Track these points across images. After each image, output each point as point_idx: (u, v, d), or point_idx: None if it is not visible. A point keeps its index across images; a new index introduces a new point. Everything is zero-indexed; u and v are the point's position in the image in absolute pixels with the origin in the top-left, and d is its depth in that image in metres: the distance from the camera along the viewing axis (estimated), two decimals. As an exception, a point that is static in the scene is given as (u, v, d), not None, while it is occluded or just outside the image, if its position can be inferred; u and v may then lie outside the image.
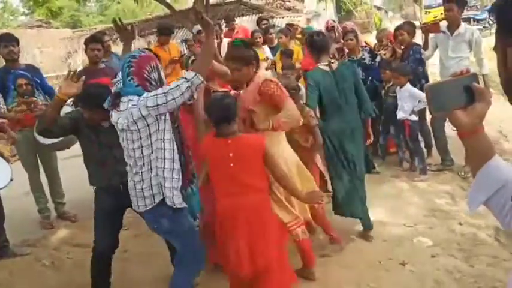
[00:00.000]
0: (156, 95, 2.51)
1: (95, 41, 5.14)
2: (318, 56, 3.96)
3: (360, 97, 3.98)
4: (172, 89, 2.53)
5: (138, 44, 16.35)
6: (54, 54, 17.21)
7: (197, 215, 3.00)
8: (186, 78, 2.56)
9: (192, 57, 3.91)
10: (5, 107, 4.70)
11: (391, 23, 21.04)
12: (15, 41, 4.82)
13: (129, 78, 2.60)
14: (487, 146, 1.20)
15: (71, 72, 3.15)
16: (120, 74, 2.78)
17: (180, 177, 2.69)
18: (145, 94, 2.55)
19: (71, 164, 5.62)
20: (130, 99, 2.56)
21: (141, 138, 2.56)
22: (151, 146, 2.58)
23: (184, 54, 6.38)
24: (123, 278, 3.26)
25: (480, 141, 1.20)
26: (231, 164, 2.72)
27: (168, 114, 2.61)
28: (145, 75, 2.61)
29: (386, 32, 6.59)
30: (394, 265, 3.59)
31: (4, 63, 4.95)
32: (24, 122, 4.68)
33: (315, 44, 3.97)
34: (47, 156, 5.02)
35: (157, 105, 2.49)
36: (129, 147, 2.62)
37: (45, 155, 4.98)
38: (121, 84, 2.72)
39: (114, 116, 2.63)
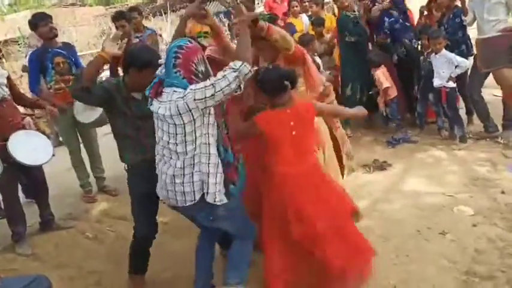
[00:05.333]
0: (205, 87, 2.44)
1: (118, 19, 5.09)
2: None
3: None
4: (219, 79, 2.45)
5: (170, 18, 16.38)
6: (88, 31, 17.40)
7: None
8: (233, 68, 2.47)
9: None
10: (45, 85, 4.83)
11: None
12: (50, 17, 4.86)
13: (175, 70, 2.51)
14: None
15: (112, 34, 3.11)
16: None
17: (222, 172, 2.63)
18: (193, 86, 2.46)
19: (111, 139, 5.73)
20: (175, 91, 2.49)
21: (185, 133, 2.50)
22: (195, 142, 2.52)
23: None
24: (161, 251, 3.34)
25: None
26: (293, 133, 2.79)
27: (213, 109, 2.54)
28: (192, 68, 2.52)
29: None
30: (433, 235, 3.53)
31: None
32: (64, 99, 4.78)
33: None
34: (87, 133, 5.13)
35: (205, 98, 2.42)
36: (169, 141, 2.56)
37: (85, 131, 5.09)
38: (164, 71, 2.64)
39: (155, 105, 2.56)
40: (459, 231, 3.52)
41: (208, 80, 2.52)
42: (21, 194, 4.38)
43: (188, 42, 2.59)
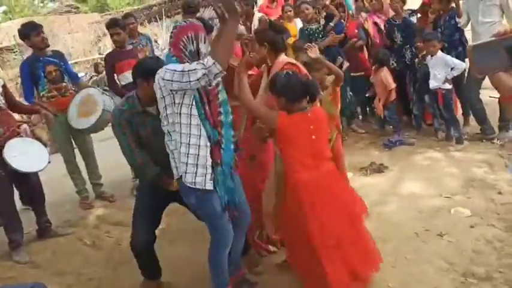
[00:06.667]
0: (175, 70, 2.46)
1: (112, 26, 5.13)
2: None
3: None
4: (190, 70, 2.43)
5: (165, 24, 16.41)
6: (84, 38, 17.43)
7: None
8: (203, 65, 2.41)
9: None
10: (36, 95, 4.81)
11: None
12: (41, 27, 4.87)
13: (170, 49, 2.61)
14: None
15: None
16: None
17: (204, 154, 2.59)
18: (169, 65, 2.52)
19: (107, 145, 5.73)
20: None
21: (160, 109, 2.60)
22: (168, 118, 2.57)
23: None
24: (160, 256, 3.31)
25: None
26: (313, 137, 2.78)
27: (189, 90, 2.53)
28: (180, 47, 2.57)
29: None
30: (431, 236, 3.53)
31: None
32: (57, 107, 4.76)
33: None
34: (82, 139, 5.12)
35: (172, 81, 2.45)
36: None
37: (79, 138, 5.08)
38: None
39: None
40: (457, 233, 3.52)
41: (197, 59, 2.54)
42: (17, 201, 4.36)
43: (183, 22, 2.65)
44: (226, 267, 2.90)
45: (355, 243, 2.82)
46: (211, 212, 2.72)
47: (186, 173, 2.59)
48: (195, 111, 2.57)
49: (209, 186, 2.62)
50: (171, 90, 2.49)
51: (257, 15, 6.71)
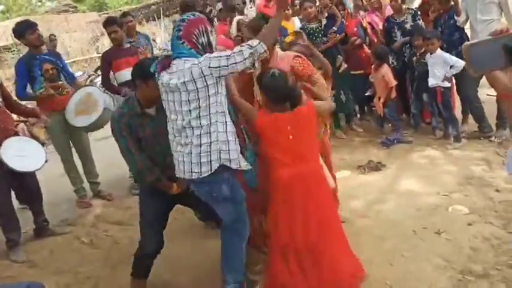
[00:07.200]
0: (220, 56, 2.52)
1: (109, 24, 5.10)
2: None
3: None
4: (235, 53, 2.53)
5: (163, 23, 16.41)
6: (82, 38, 17.40)
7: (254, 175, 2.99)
8: (249, 45, 2.55)
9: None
10: (31, 92, 4.80)
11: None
12: (36, 25, 4.84)
13: (181, 41, 2.60)
14: None
15: None
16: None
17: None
18: (208, 55, 2.55)
19: (105, 144, 5.73)
20: (186, 61, 2.55)
21: (199, 99, 2.53)
22: (209, 109, 2.55)
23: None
24: (160, 255, 3.29)
25: None
26: (290, 137, 2.78)
27: (224, 80, 2.61)
28: (193, 40, 2.60)
29: None
30: (429, 234, 3.53)
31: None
32: (54, 105, 4.76)
33: None
34: (79, 138, 5.08)
35: (220, 66, 2.50)
36: (182, 110, 2.57)
37: (76, 136, 5.05)
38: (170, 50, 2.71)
39: (165, 77, 2.60)
40: (454, 230, 3.52)
41: (210, 51, 2.62)
42: (14, 201, 4.35)
43: (191, 16, 2.67)
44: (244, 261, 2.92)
45: (320, 249, 2.82)
46: (242, 197, 2.80)
47: (231, 160, 2.63)
48: (227, 100, 2.68)
49: (249, 166, 2.75)
50: (217, 77, 2.53)
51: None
